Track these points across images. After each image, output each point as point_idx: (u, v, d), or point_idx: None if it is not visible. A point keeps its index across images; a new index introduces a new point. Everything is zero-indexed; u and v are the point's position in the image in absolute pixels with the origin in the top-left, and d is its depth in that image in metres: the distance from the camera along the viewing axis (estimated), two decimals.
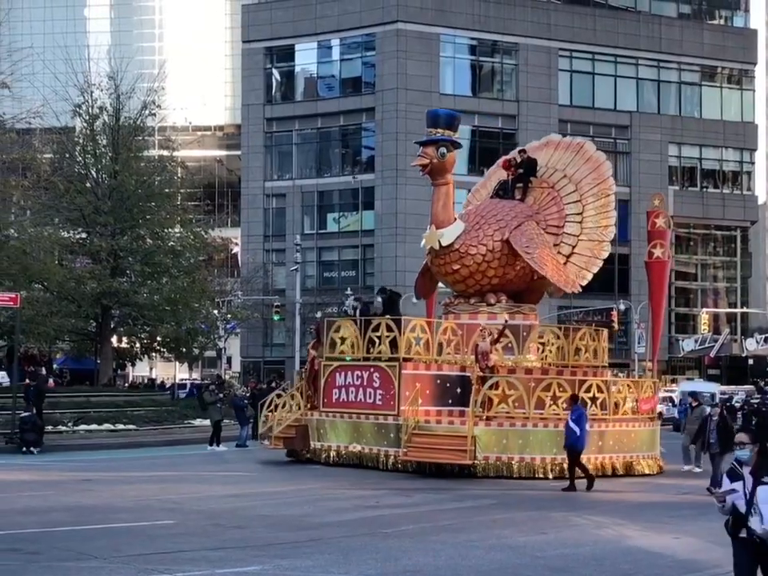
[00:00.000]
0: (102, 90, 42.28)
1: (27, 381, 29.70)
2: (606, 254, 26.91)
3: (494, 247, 25.41)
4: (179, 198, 44.88)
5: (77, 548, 12.31)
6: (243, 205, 66.15)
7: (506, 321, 24.48)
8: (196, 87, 72.02)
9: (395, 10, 61.52)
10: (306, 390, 25.24)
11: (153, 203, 42.26)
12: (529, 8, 64.18)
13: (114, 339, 44.67)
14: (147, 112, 42.50)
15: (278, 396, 26.33)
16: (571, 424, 20.10)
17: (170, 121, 48.81)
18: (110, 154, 41.35)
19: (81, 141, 42.86)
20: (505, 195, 27.33)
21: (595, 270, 26.74)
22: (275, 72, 66.19)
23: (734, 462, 8.32)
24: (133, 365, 54.13)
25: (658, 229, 28.63)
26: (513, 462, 22.13)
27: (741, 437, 8.36)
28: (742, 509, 8.21)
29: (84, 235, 41.70)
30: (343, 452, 23.80)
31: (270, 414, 25.60)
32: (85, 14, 72.20)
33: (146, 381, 64.28)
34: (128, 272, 41.66)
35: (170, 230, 43.02)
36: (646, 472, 23.74)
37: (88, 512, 15.59)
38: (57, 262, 38.48)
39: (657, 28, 67.24)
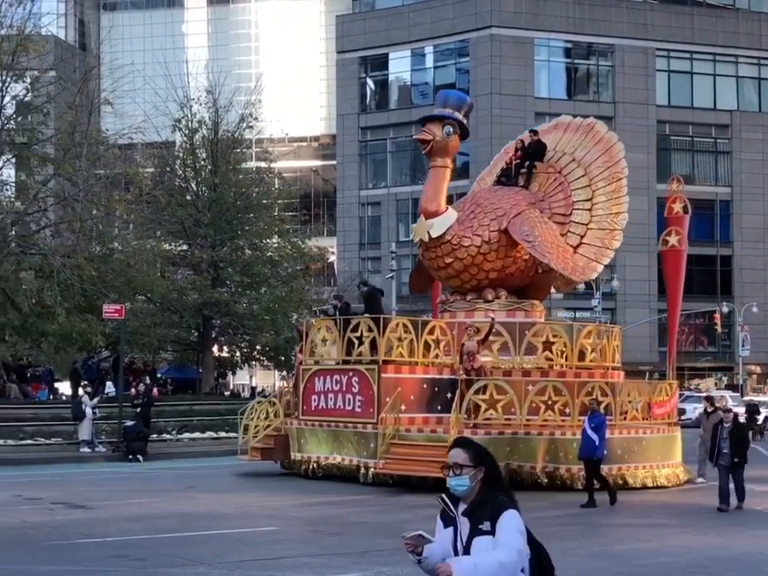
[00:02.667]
0: (200, 105, 43.12)
1: (134, 390, 30.40)
2: (617, 244, 24.58)
3: (491, 238, 22.99)
4: (276, 208, 45.43)
5: (182, 554, 12.54)
6: (339, 214, 66.67)
7: (493, 318, 21.90)
8: (292, 99, 72.86)
9: (489, 15, 61.39)
10: (292, 396, 23.52)
11: (251, 214, 42.87)
12: (624, 9, 63.40)
13: (215, 348, 45.41)
14: (245, 125, 43.15)
15: (259, 403, 24.37)
16: (589, 432, 18.19)
17: (267, 133, 49.44)
18: (209, 167, 42.10)
19: (181, 155, 43.76)
20: (508, 182, 24.98)
21: (606, 261, 24.61)
22: (369, 81, 66.63)
23: (444, 497, 5.30)
24: (233, 373, 54.91)
25: (675, 215, 25.68)
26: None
27: (456, 454, 5.25)
28: None
29: (185, 247, 42.53)
30: (323, 463, 21.83)
31: (249, 422, 23.55)
32: (183, 30, 73.67)
33: (246, 389, 65.17)
34: (228, 282, 42.32)
35: (267, 240, 43.60)
36: (664, 483, 21.37)
37: (192, 519, 15.88)
38: (159, 273, 39.30)
39: (756, 25, 65.75)
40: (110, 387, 36.96)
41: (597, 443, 18.03)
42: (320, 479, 21.44)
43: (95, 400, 29.36)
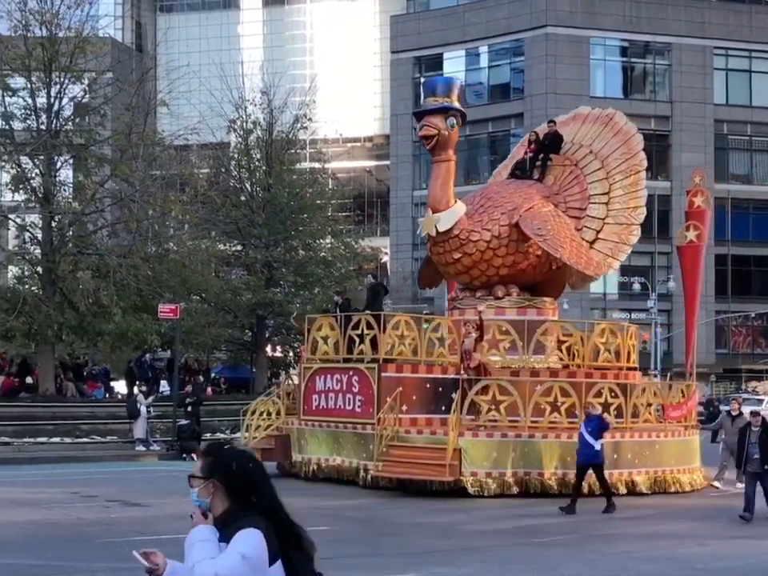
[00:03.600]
0: (255, 106, 43.32)
1: (186, 389, 30.63)
2: (635, 239, 23.62)
3: (501, 233, 22.15)
4: (330, 209, 45.51)
5: None
6: (392, 214, 66.66)
7: (480, 312, 20.69)
8: (346, 99, 72.98)
9: (544, 14, 61.03)
10: (296, 396, 22.88)
11: (305, 215, 42.98)
12: (682, 7, 62.64)
13: (268, 348, 45.62)
14: (299, 125, 43.28)
15: (262, 402, 23.69)
16: (587, 436, 17.26)
17: (321, 133, 49.65)
18: (263, 168, 42.29)
19: (236, 155, 44.01)
20: (522, 175, 24.14)
21: (623, 257, 23.60)
22: (423, 81, 66.54)
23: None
24: (287, 373, 55.17)
25: (696, 209, 24.57)
26: (506, 479, 19.17)
27: (197, 463, 4.54)
28: None
29: (239, 247, 42.76)
30: (324, 465, 21.19)
31: (251, 422, 22.93)
32: (239, 31, 74.15)
33: None
34: (281, 283, 42.46)
35: (321, 240, 43.69)
36: (680, 489, 20.57)
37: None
38: (214, 273, 39.56)
39: None
40: (164, 386, 37.29)
41: (596, 448, 17.26)
42: (320, 481, 20.76)
43: (150, 399, 29.65)
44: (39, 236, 34.09)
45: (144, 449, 27.89)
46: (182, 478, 16.95)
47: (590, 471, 17.76)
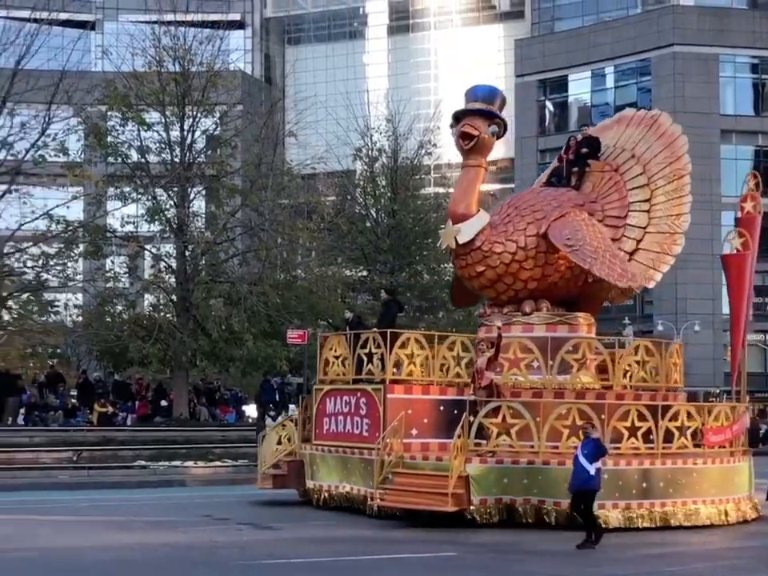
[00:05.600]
0: (380, 133, 43.91)
1: None
2: (678, 249, 21.80)
3: (527, 244, 20.57)
4: None
5: None
6: None
7: (499, 328, 19.47)
8: None
9: (671, 33, 60.15)
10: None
11: (429, 240, 43.19)
12: None
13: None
14: (423, 151, 43.71)
15: (283, 426, 22.37)
16: (582, 459, 15.80)
17: (445, 158, 49.79)
18: (388, 194, 42.78)
19: (361, 183, 44.65)
20: (559, 183, 22.66)
21: (665, 269, 21.74)
22: (548, 104, 66.28)
23: None
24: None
25: (746, 215, 22.56)
26: (517, 506, 17.86)
27: None
28: None
29: (365, 273, 43.29)
30: (334, 493, 20.11)
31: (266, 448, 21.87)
32: (364, 61, 75.23)
33: None
34: (406, 307, 42.79)
35: (445, 264, 43.84)
36: (722, 521, 18.81)
37: (372, 542, 16.13)
38: (340, 299, 40.15)
39: None
40: (293, 410, 37.91)
41: (591, 472, 15.73)
42: (331, 509, 19.82)
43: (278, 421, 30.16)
44: (174, 265, 35.25)
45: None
46: (310, 501, 16.98)
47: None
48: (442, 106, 50.18)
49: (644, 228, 21.79)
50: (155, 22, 38.25)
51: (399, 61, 76.07)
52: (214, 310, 34.43)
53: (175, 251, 35.31)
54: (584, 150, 22.61)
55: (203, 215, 37.74)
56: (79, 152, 36.08)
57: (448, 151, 53.19)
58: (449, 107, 60.07)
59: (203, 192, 37.17)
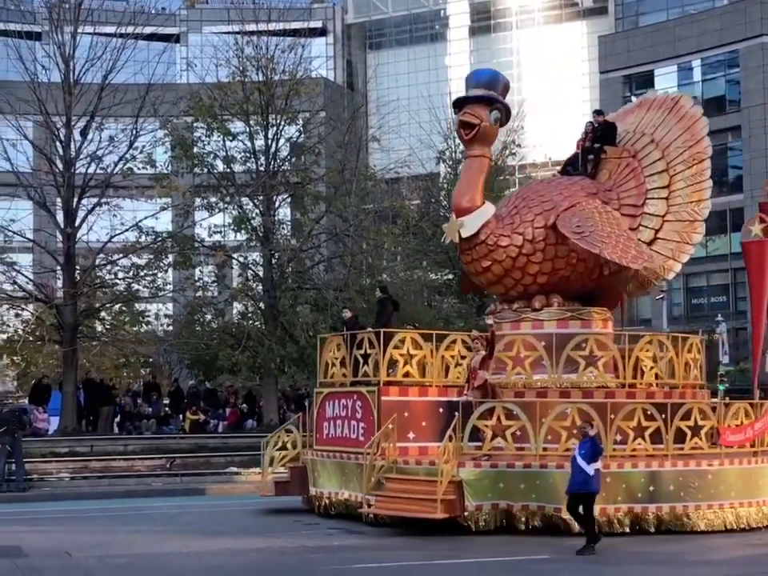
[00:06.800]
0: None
1: None
2: (699, 238, 20.72)
3: (535, 236, 19.41)
4: None
5: None
6: None
7: (491, 326, 18.67)
8: (554, 122, 72.56)
9: (759, 23, 58.76)
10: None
11: None
12: None
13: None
14: (507, 152, 43.42)
15: (288, 432, 21.70)
16: (579, 461, 15.08)
17: (530, 158, 49.54)
18: None
19: (445, 185, 44.50)
20: (574, 171, 21.47)
21: (685, 258, 20.70)
22: (634, 99, 65.22)
23: None
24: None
25: None
26: (514, 511, 17.09)
27: None
28: None
29: (450, 276, 43.13)
30: (334, 500, 19.47)
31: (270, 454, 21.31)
32: (446, 63, 75.01)
33: None
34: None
35: None
36: (748, 525, 17.75)
37: (466, 544, 16.02)
38: (426, 303, 40.08)
39: None
40: None
41: (589, 474, 14.97)
42: (332, 517, 19.24)
43: None
44: (261, 273, 35.58)
45: None
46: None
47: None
48: (525, 106, 49.86)
49: (662, 216, 20.65)
50: (238, 33, 38.66)
51: (481, 62, 75.58)
52: (301, 317, 34.64)
53: (262, 259, 35.63)
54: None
55: (289, 223, 38.00)
56: (166, 164, 36.66)
57: (532, 151, 52.94)
58: (532, 107, 59.76)
59: (288, 200, 37.45)
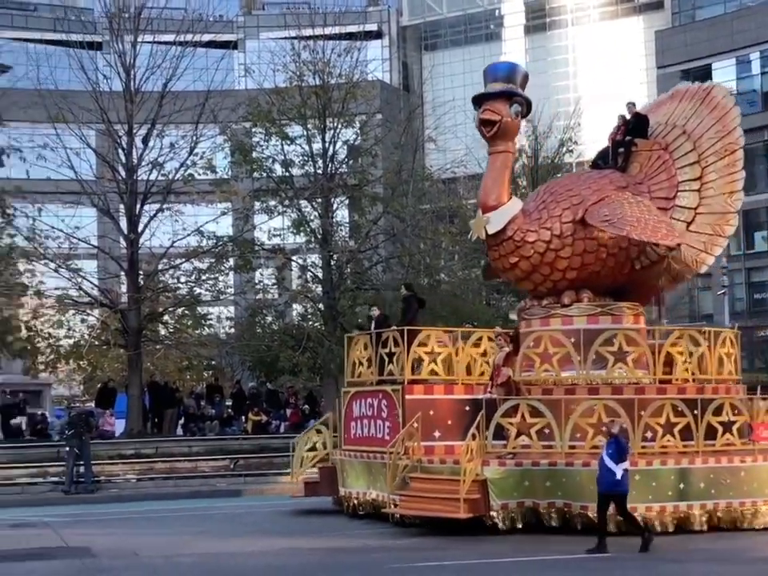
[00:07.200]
0: (520, 133, 43.65)
1: None
2: (732, 230, 20.28)
3: (563, 231, 19.00)
4: None
5: None
6: None
7: (516, 321, 18.31)
8: (612, 119, 72.20)
9: None
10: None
11: None
12: None
13: None
14: (564, 149, 43.31)
15: (318, 432, 21.73)
16: (607, 461, 14.81)
17: (587, 155, 49.19)
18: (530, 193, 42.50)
19: None
20: (605, 165, 21.11)
21: (718, 251, 20.29)
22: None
23: None
24: None
25: None
26: (540, 510, 16.90)
27: None
28: None
29: None
30: (362, 500, 19.38)
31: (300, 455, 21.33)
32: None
33: None
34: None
35: None
36: None
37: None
38: (485, 302, 40.10)
39: None
40: None
41: (618, 474, 14.69)
42: (361, 518, 19.14)
43: None
44: (320, 275, 35.91)
45: None
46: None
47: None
48: (582, 103, 49.69)
49: (694, 209, 20.18)
50: (295, 38, 39.06)
51: (537, 60, 75.40)
52: (359, 317, 34.89)
53: (321, 261, 35.97)
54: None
55: (347, 224, 38.28)
56: (226, 169, 37.13)
57: (589, 148, 52.59)
58: (589, 104, 59.57)
59: (346, 202, 37.72)
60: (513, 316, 19.93)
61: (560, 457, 17.08)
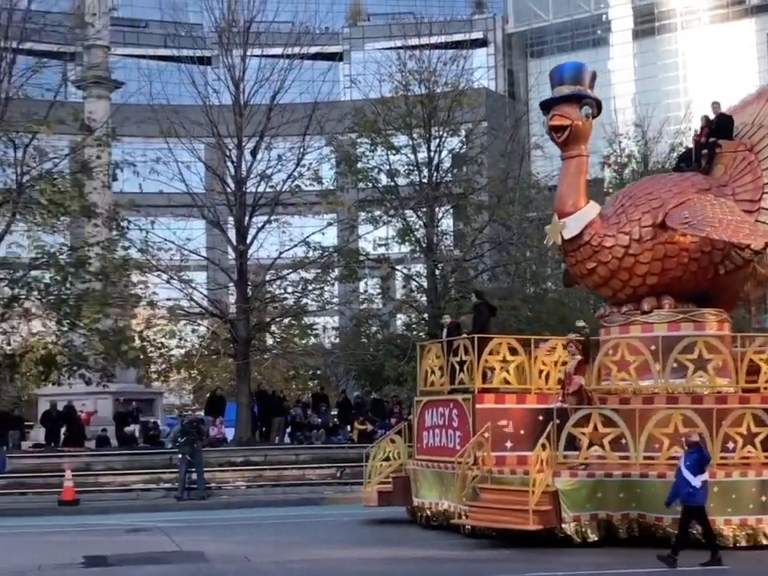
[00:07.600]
0: (629, 139, 43.12)
1: None
2: None
3: (642, 235, 18.38)
4: None
5: None
6: None
7: (585, 327, 18.09)
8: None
9: None
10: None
11: None
12: None
13: None
14: (675, 154, 42.39)
15: (392, 441, 21.48)
16: (685, 472, 14.40)
17: None
18: None
19: (610, 190, 43.86)
20: (688, 167, 20.25)
21: None
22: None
23: None
24: None
25: None
26: (614, 521, 16.48)
27: None
28: None
29: None
30: (434, 511, 19.11)
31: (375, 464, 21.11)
32: (609, 67, 73.92)
33: None
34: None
35: None
36: None
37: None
38: (592, 310, 39.49)
39: None
40: None
41: (695, 485, 14.30)
42: (434, 529, 18.84)
43: None
44: (425, 284, 35.93)
45: None
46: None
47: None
48: (693, 107, 48.70)
49: None
50: (400, 48, 39.23)
51: (646, 65, 74.37)
52: (465, 326, 34.76)
53: (425, 270, 35.99)
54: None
55: (452, 233, 38.26)
56: (332, 180, 37.48)
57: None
58: (699, 108, 58.23)
59: (451, 210, 37.70)
60: (580, 323, 19.79)
61: (634, 468, 16.74)
